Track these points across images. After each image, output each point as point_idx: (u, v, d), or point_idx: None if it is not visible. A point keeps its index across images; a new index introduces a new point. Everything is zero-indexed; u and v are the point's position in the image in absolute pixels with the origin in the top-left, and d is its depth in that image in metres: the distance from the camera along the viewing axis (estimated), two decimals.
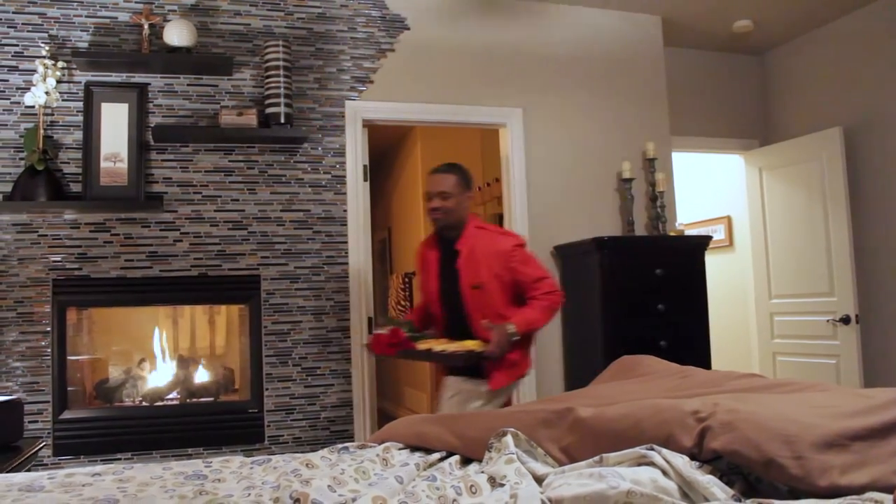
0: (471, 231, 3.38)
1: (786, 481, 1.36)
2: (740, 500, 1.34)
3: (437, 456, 1.88)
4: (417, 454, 1.93)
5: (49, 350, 3.87)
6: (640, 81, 5.07)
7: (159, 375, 4.23)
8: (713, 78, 5.83)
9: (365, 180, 4.40)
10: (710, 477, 1.38)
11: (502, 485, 1.52)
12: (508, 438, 1.72)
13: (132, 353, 4.31)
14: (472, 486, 1.57)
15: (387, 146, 8.31)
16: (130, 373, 4.20)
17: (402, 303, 7.76)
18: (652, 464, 1.43)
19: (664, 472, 1.40)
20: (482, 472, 1.67)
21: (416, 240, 7.70)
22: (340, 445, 2.06)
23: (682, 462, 1.42)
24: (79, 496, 1.62)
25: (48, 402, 3.83)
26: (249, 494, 1.60)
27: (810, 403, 1.63)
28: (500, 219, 7.36)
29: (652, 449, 1.48)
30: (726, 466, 1.47)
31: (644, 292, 4.32)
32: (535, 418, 1.80)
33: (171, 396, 4.18)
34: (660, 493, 1.31)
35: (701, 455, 1.48)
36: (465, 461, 1.86)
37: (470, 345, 3.13)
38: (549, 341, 4.65)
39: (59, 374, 3.85)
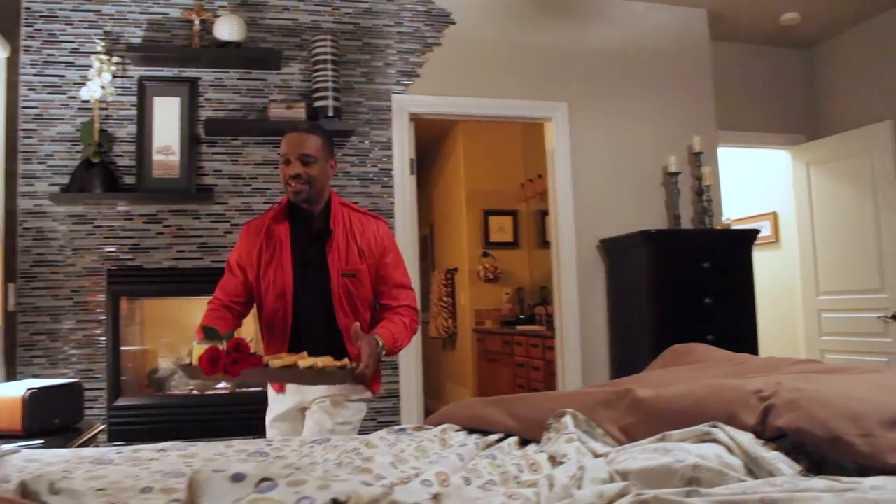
0: (338, 209, 2.73)
1: (853, 459, 1.35)
2: (808, 477, 1.33)
3: (494, 437, 1.90)
4: (474, 436, 1.94)
5: (103, 338, 3.95)
6: (686, 75, 5.04)
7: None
8: (760, 72, 5.77)
9: (412, 174, 4.44)
10: (776, 453, 1.38)
11: (563, 463, 1.53)
12: (567, 419, 1.73)
13: (179, 345, 4.38)
14: (532, 464, 1.58)
15: (428, 143, 8.33)
16: (181, 362, 4.27)
17: (445, 299, 7.79)
18: (716, 441, 1.43)
19: (729, 449, 1.40)
20: (542, 451, 1.68)
21: (458, 237, 7.74)
22: (397, 427, 2.08)
23: (746, 439, 1.41)
24: (147, 469, 1.66)
25: (103, 388, 3.91)
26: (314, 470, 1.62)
27: (875, 383, 1.62)
28: (543, 215, 7.39)
29: (716, 426, 1.48)
30: (790, 445, 1.46)
31: (691, 286, 4.29)
32: (593, 399, 1.80)
33: (220, 386, 4.24)
34: (725, 469, 1.31)
35: (765, 433, 1.47)
36: (523, 442, 1.87)
37: (324, 361, 2.34)
38: (594, 334, 4.65)
39: (113, 361, 3.92)
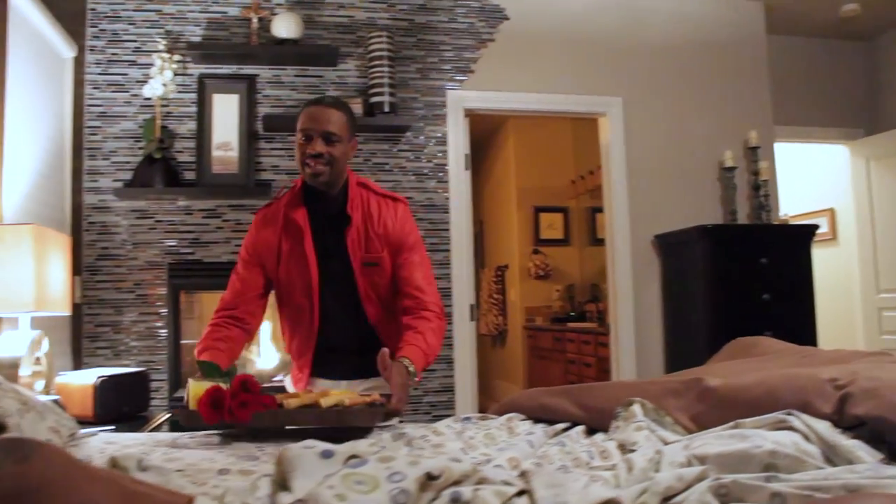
0: (356, 191, 2.45)
1: None
2: (891, 465, 1.31)
3: (561, 426, 1.90)
4: (540, 425, 1.95)
5: (163, 331, 4.03)
6: (742, 69, 4.97)
7: (266, 358, 4.35)
8: (817, 65, 5.68)
9: (466, 169, 4.45)
10: (855, 441, 1.36)
11: (633, 450, 1.53)
12: (636, 407, 1.73)
13: None
14: (603, 451, 1.58)
15: (478, 140, 8.34)
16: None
17: (495, 296, 7.79)
18: (791, 428, 1.42)
19: (805, 437, 1.39)
20: (610, 439, 1.67)
21: (508, 234, 7.74)
22: (463, 416, 2.09)
23: (823, 427, 1.40)
24: (221, 453, 1.70)
25: (163, 379, 3.99)
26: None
27: None
28: (594, 212, 7.36)
29: (791, 414, 1.46)
30: (868, 434, 1.45)
31: (748, 282, 4.24)
32: (661, 388, 1.80)
33: (277, 378, 4.30)
34: (803, 456, 1.30)
35: (841, 422, 1.45)
36: (590, 431, 1.87)
37: (350, 398, 1.95)
38: (649, 330, 4.61)
39: (174, 353, 4.00)
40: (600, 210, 7.17)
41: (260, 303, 2.49)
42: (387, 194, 2.52)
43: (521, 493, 1.01)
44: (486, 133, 8.22)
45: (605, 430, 1.80)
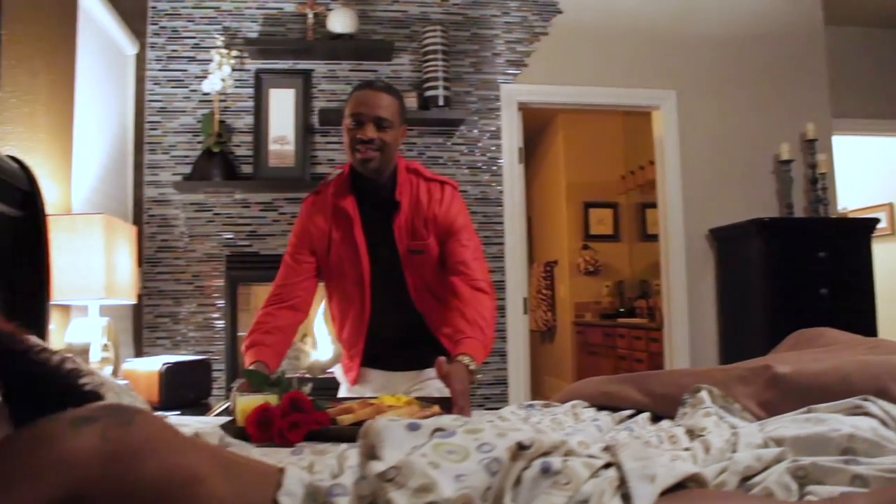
0: (405, 176, 2.40)
1: None
2: None
3: (626, 413, 1.90)
4: (604, 412, 1.95)
5: (220, 322, 4.11)
6: (798, 61, 4.89)
7: (321, 350, 4.40)
8: (877, 57, 5.56)
9: (520, 162, 4.46)
10: None
11: (701, 436, 1.53)
12: (704, 394, 1.72)
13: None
14: (672, 436, 1.58)
15: (528, 136, 8.28)
16: (294, 346, 4.40)
17: (544, 291, 7.77)
18: (867, 414, 1.41)
19: (883, 422, 1.37)
20: (678, 425, 1.67)
21: (557, 230, 7.71)
22: (526, 403, 2.10)
23: None
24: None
25: (220, 370, 4.06)
26: None
27: None
28: (644, 208, 7.30)
29: (867, 399, 1.45)
30: None
31: (806, 276, 4.18)
32: (728, 375, 1.79)
33: (331, 370, 4.34)
34: (882, 441, 1.29)
35: None
36: (655, 419, 1.87)
37: (409, 410, 1.86)
38: (703, 325, 4.57)
39: (230, 344, 4.07)
40: (651, 206, 7.14)
41: (310, 284, 2.44)
42: (435, 178, 2.46)
43: (607, 465, 1.02)
44: (535, 128, 8.20)
45: (670, 417, 1.79)
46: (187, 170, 4.14)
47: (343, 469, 1.01)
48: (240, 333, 4.17)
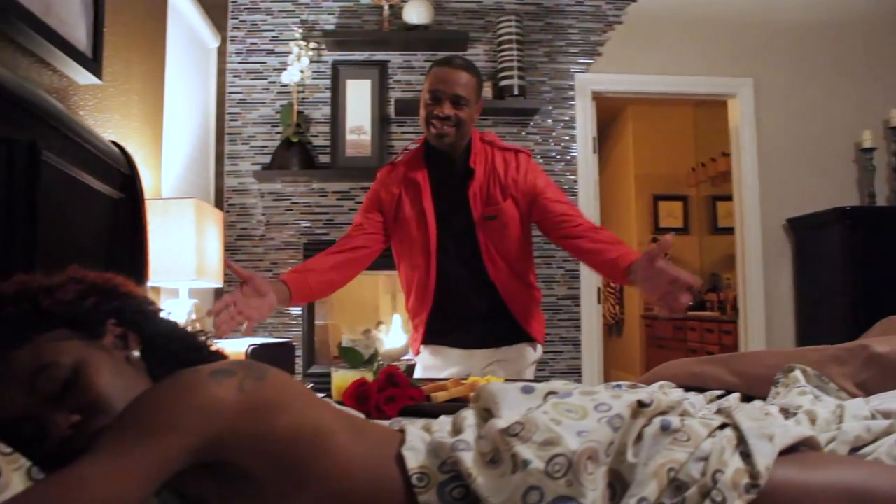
0: (480, 146, 2.43)
1: None
2: None
3: (715, 393, 1.89)
4: (692, 392, 1.95)
5: (297, 309, 4.19)
6: (880, 46, 4.74)
7: (394, 337, 4.47)
8: None
9: (594, 152, 4.45)
10: None
11: (795, 414, 1.52)
12: (797, 373, 1.71)
13: (356, 323, 4.57)
14: (767, 414, 1.58)
15: (597, 127, 8.29)
16: (369, 334, 4.47)
17: (612, 285, 7.72)
18: None
19: None
20: (772, 405, 1.66)
21: (626, 222, 7.66)
22: (613, 383, 2.11)
23: None
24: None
25: (298, 356, 4.14)
26: None
27: None
28: (714, 200, 7.21)
29: None
30: None
31: (890, 266, 4.06)
32: (823, 355, 1.77)
33: (406, 357, 4.41)
34: None
35: None
36: (746, 399, 1.86)
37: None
38: (780, 316, 4.49)
39: (308, 331, 4.16)
40: (722, 198, 7.05)
41: (375, 238, 2.45)
42: (509, 147, 2.50)
43: (723, 426, 1.04)
44: (604, 121, 8.14)
45: (761, 397, 1.78)
46: (266, 160, 4.23)
47: (463, 428, 1.05)
48: (318, 322, 4.27)
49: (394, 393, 1.76)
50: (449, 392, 1.86)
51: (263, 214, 4.25)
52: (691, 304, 6.50)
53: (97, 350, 1.05)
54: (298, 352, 4.13)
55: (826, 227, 4.23)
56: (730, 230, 5.06)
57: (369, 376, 1.85)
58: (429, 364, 2.55)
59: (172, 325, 1.18)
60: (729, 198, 4.94)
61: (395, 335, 4.49)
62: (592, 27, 4.49)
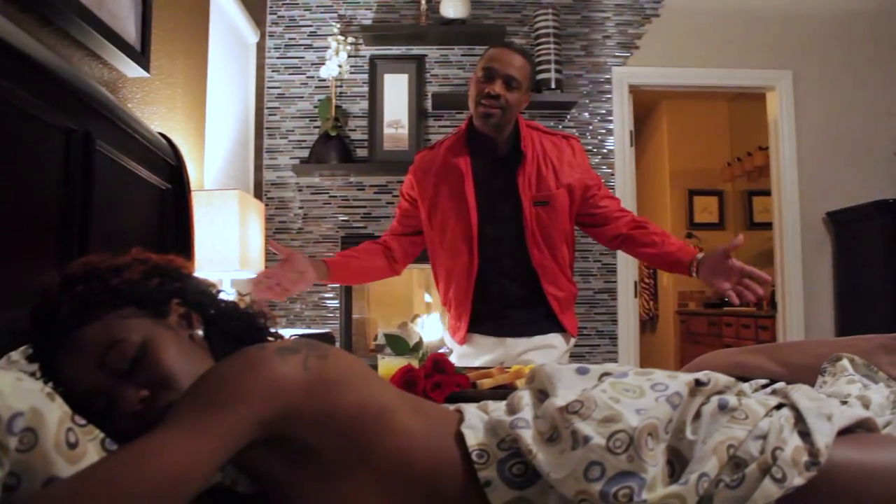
0: (527, 131, 2.40)
1: None
2: None
3: (761, 381, 1.89)
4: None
5: (334, 302, 4.24)
6: None
7: (431, 330, 4.48)
8: None
9: (631, 145, 4.44)
10: None
11: (845, 402, 1.52)
12: (845, 362, 1.70)
13: (391, 317, 4.60)
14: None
15: None
16: (406, 327, 4.49)
17: (646, 280, 7.68)
18: None
19: None
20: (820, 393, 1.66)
21: (661, 218, 7.61)
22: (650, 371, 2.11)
23: None
24: None
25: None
26: None
27: None
28: (750, 195, 7.15)
29: None
30: None
31: None
32: (871, 343, 1.76)
33: (441, 350, 4.42)
34: None
35: None
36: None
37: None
38: (819, 311, 4.44)
39: (345, 324, 4.20)
40: (758, 193, 6.99)
41: (410, 240, 2.57)
42: (557, 133, 2.49)
43: (779, 406, 1.05)
44: (638, 116, 8.06)
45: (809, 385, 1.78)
46: (304, 154, 4.28)
47: (521, 407, 1.06)
48: (354, 316, 4.30)
49: (440, 379, 1.79)
50: (494, 379, 1.89)
51: (301, 208, 4.30)
52: (726, 299, 6.46)
53: (163, 328, 1.08)
54: (337, 344, 4.17)
55: (867, 220, 4.18)
56: (766, 225, 5.02)
57: (414, 363, 1.88)
58: (461, 353, 2.56)
59: (233, 306, 1.21)
60: (765, 193, 4.90)
61: (431, 328, 4.50)
62: (629, 20, 4.48)
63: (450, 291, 2.51)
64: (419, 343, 2.02)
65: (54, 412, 0.88)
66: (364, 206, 4.30)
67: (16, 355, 1.37)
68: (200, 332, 1.15)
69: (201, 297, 1.17)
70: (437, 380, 1.79)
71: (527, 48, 2.51)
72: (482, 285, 2.41)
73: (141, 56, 2.33)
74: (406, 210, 2.58)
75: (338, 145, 4.19)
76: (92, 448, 0.92)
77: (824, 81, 4.56)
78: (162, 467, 0.83)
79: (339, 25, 4.28)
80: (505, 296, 2.43)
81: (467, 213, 2.36)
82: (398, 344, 1.99)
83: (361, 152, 4.31)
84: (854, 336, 2.07)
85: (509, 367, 2.03)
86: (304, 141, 4.31)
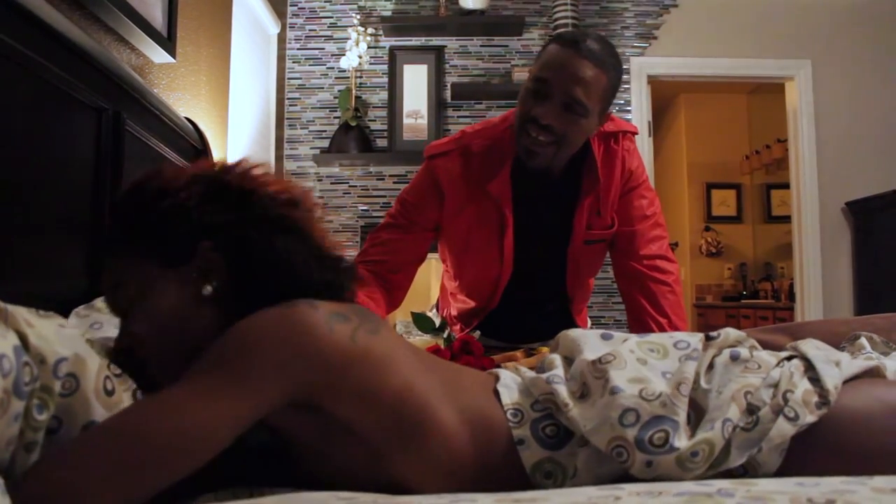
0: (598, 146, 1.85)
1: None
2: None
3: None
4: None
5: None
6: None
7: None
8: None
9: (650, 136, 4.46)
10: None
11: None
12: (863, 340, 1.71)
13: (407, 307, 4.61)
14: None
15: None
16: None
17: None
18: None
19: None
20: None
21: (679, 211, 7.61)
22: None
23: None
24: None
25: None
26: None
27: None
28: (769, 189, 7.13)
29: None
30: None
31: None
32: (890, 322, 1.78)
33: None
34: None
35: None
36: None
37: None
38: (839, 303, 4.44)
39: None
40: (777, 186, 6.98)
41: (412, 269, 2.08)
42: (609, 132, 1.89)
43: (789, 358, 1.08)
44: (656, 109, 8.07)
45: None
46: (324, 144, 4.32)
47: (553, 367, 1.08)
48: None
49: (467, 361, 1.71)
50: (519, 363, 1.89)
51: (321, 197, 4.33)
52: (744, 292, 6.38)
53: (165, 281, 1.00)
54: None
55: (887, 209, 4.17)
56: (784, 219, 5.00)
57: (441, 343, 1.87)
58: None
59: (288, 253, 1.02)
60: (783, 186, 4.89)
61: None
62: (648, 10, 4.49)
63: (460, 295, 2.18)
64: (444, 323, 2.02)
65: (94, 359, 0.90)
66: (384, 196, 4.34)
67: (99, 302, 1.42)
68: (209, 288, 1.00)
69: (255, 232, 1.01)
70: (464, 361, 1.71)
71: (603, 53, 1.66)
72: (503, 310, 2.06)
73: (167, 42, 2.37)
74: (418, 237, 2.06)
75: (357, 135, 4.23)
76: (126, 397, 0.95)
77: (844, 70, 4.55)
78: (187, 426, 0.81)
79: (358, 16, 4.32)
80: (529, 317, 2.12)
81: (500, 261, 1.93)
82: (424, 322, 2.00)
83: (381, 142, 4.34)
84: (873, 315, 2.08)
85: (534, 350, 2.04)
86: (325, 131, 4.35)
